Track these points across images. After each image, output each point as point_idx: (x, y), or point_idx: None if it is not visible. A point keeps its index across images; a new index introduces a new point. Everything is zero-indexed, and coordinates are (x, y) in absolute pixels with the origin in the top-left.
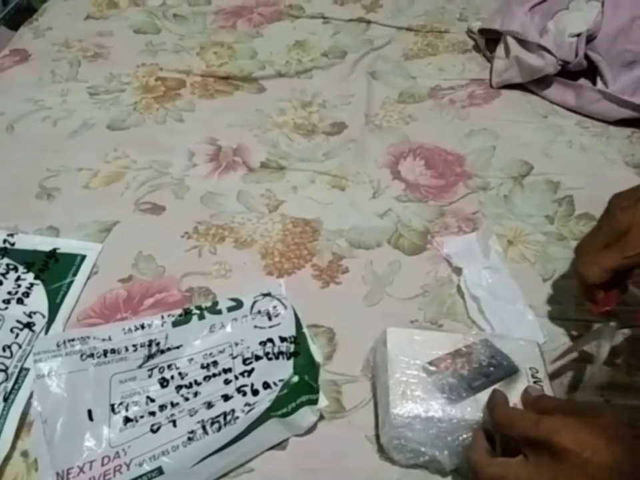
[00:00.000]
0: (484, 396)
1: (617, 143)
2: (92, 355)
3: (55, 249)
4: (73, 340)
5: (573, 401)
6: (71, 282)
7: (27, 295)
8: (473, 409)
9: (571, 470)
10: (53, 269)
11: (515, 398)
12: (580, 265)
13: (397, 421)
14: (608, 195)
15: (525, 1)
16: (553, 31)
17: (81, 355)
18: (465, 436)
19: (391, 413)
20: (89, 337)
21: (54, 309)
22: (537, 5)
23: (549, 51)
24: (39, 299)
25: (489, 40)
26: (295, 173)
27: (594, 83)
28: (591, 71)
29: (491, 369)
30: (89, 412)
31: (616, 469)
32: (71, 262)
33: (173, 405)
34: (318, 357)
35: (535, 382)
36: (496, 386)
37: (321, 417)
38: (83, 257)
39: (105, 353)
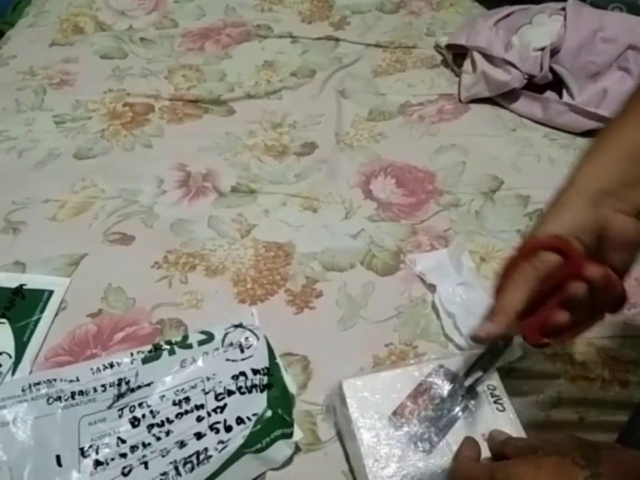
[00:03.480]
0: (452, 436)
1: None
2: (59, 398)
3: (21, 285)
4: (38, 383)
5: (536, 440)
6: (39, 319)
7: None
8: (447, 456)
9: None
10: (20, 306)
11: (481, 426)
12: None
13: None
14: None
15: (489, 16)
16: (517, 45)
17: (48, 399)
18: None
19: None
20: (55, 379)
21: (21, 348)
22: (501, 20)
23: (514, 65)
24: (5, 339)
25: (457, 54)
26: (266, 196)
27: (560, 95)
28: (557, 84)
29: (452, 398)
30: (58, 457)
31: None
32: (38, 298)
33: (144, 445)
34: (292, 387)
35: (495, 401)
36: (460, 420)
37: (298, 449)
38: (51, 293)
39: (73, 395)
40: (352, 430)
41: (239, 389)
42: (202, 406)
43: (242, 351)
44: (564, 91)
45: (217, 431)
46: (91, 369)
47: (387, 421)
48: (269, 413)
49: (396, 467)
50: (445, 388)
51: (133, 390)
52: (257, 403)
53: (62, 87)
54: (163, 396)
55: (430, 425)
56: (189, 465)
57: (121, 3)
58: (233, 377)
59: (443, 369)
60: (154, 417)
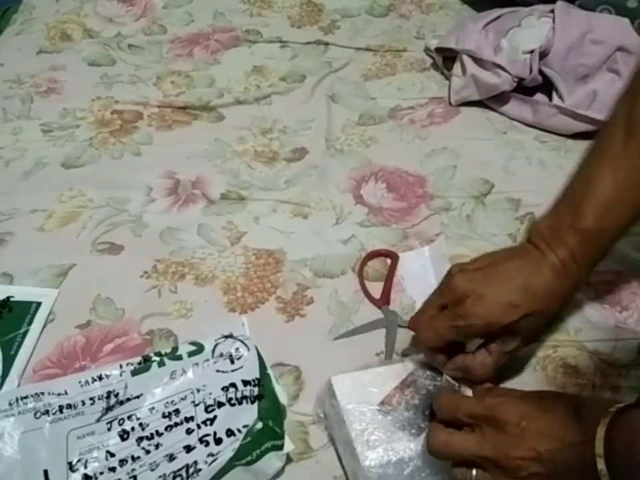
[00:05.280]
0: None
1: (575, 157)
2: (47, 412)
3: (8, 297)
4: (25, 397)
5: (520, 391)
6: (26, 331)
7: None
8: None
9: (509, 439)
10: (7, 318)
11: None
12: (419, 334)
13: (371, 473)
14: None
15: (478, 19)
16: (506, 48)
17: (35, 413)
18: (436, 467)
19: (363, 467)
20: (43, 393)
21: (8, 361)
22: (490, 23)
23: (503, 68)
24: None
25: (447, 58)
26: (256, 203)
27: (550, 98)
28: (547, 86)
29: (437, 389)
30: (45, 473)
31: (550, 435)
32: (25, 310)
33: (133, 459)
34: (283, 398)
35: None
36: None
37: (289, 459)
38: (39, 304)
39: (61, 408)
40: (341, 418)
41: (229, 400)
42: (192, 418)
43: (232, 362)
44: (554, 94)
45: (207, 444)
46: (79, 382)
47: (375, 409)
48: (260, 425)
49: (386, 447)
50: (430, 380)
51: (122, 402)
52: (248, 415)
53: (49, 95)
54: (153, 408)
55: (417, 411)
56: (178, 479)
57: (108, 10)
58: (223, 389)
59: (427, 364)
60: (143, 429)
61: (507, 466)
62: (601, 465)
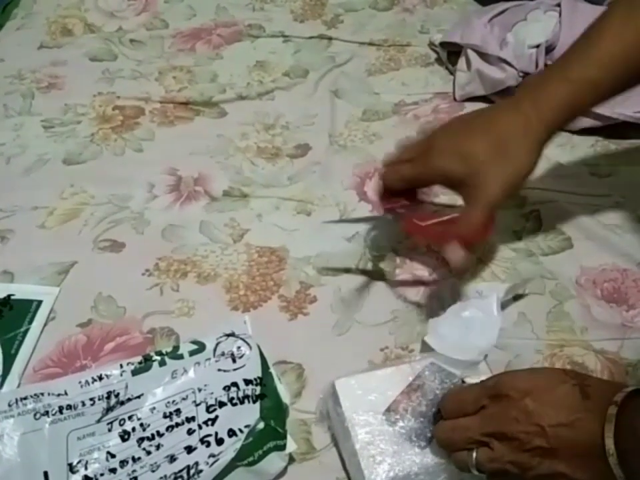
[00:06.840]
0: None
1: (581, 153)
2: (46, 413)
3: (9, 296)
4: (25, 398)
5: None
6: (27, 330)
7: None
8: (442, 451)
9: (513, 412)
10: (7, 317)
11: None
12: (384, 173)
13: None
14: (574, 208)
15: (484, 13)
16: (512, 42)
17: (35, 414)
18: None
19: None
20: (42, 394)
21: (9, 360)
22: (496, 17)
23: (509, 63)
24: None
25: (451, 52)
26: (259, 200)
27: None
28: None
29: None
30: (45, 474)
31: (554, 411)
32: (26, 308)
33: (134, 460)
34: (285, 397)
35: None
36: None
37: (292, 459)
38: (39, 303)
39: (61, 409)
40: (346, 427)
41: (231, 400)
42: (193, 418)
43: (234, 361)
44: None
45: (208, 444)
46: (80, 382)
47: (381, 417)
48: (262, 425)
49: (392, 462)
50: (438, 384)
51: (122, 403)
52: (249, 415)
53: (50, 90)
54: (154, 408)
55: (424, 420)
56: None
57: (110, 4)
58: (224, 388)
59: (435, 365)
60: (144, 430)
61: (511, 439)
62: (609, 444)
